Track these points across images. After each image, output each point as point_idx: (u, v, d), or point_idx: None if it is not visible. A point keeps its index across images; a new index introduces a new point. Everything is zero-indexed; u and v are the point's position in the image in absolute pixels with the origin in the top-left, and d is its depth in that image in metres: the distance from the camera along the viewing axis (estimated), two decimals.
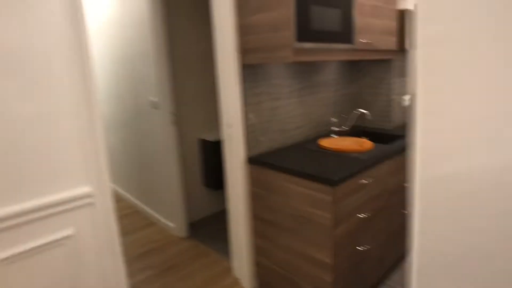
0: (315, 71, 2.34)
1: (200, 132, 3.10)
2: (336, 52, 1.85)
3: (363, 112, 2.28)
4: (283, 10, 1.54)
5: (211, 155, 3.00)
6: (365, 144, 2.05)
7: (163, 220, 3.05)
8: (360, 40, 1.96)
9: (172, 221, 2.92)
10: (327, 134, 2.46)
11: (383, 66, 2.49)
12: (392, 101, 2.50)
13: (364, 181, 1.79)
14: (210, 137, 2.98)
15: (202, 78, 3.04)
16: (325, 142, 2.13)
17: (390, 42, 2.23)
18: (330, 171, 1.66)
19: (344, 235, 1.73)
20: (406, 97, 2.70)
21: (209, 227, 3.02)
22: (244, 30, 1.79)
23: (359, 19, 1.93)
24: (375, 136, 2.50)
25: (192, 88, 2.98)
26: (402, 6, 2.44)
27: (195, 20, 2.90)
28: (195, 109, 3.03)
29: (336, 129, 2.35)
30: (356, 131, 2.60)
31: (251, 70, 1.93)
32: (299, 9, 1.54)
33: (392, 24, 2.22)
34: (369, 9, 2.00)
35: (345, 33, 1.83)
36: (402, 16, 2.27)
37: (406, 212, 2.27)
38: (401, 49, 2.34)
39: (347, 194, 1.69)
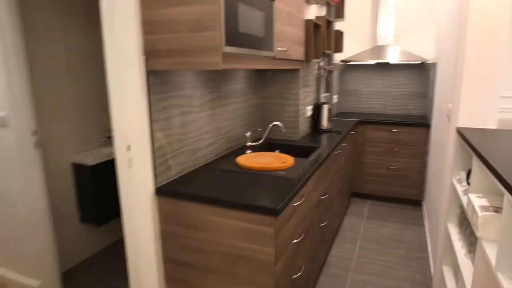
0: (223, 79, 2.07)
1: (74, 155, 2.44)
2: (259, 59, 1.63)
3: (277, 125, 2.13)
4: (209, 4, 1.23)
5: (90, 182, 2.39)
6: (287, 159, 1.89)
7: (19, 278, 2.26)
8: (278, 48, 1.80)
9: (36, 276, 2.18)
10: (240, 150, 2.22)
11: (290, 76, 2.40)
12: (299, 111, 2.44)
13: (296, 203, 1.62)
14: (88, 160, 2.37)
15: (78, 85, 2.39)
16: (243, 161, 1.88)
17: (299, 52, 2.14)
18: (266, 197, 1.42)
19: (284, 267, 1.51)
20: (309, 108, 2.70)
21: (91, 273, 2.39)
22: (151, 27, 1.39)
23: (278, 26, 1.76)
24: (287, 148, 2.39)
25: (63, 97, 2.31)
26: (307, 16, 2.41)
27: (71, 7, 2.25)
28: (67, 125, 2.36)
29: (250, 144, 2.14)
30: (268, 145, 2.45)
31: (157, 78, 1.53)
32: (227, 5, 1.26)
33: (302, 33, 2.14)
34: (286, 16, 1.85)
35: (267, 39, 1.63)
36: (308, 27, 2.22)
37: (323, 224, 2.22)
38: (307, 60, 2.29)
39: (285, 221, 1.48)
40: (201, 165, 1.91)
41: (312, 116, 2.81)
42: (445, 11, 2.50)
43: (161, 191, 1.58)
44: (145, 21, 1.38)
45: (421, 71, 3.60)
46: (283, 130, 2.10)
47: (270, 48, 1.67)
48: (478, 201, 1.34)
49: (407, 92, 3.68)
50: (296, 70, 2.38)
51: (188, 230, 1.55)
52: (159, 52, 1.40)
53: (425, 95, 3.61)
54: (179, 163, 1.73)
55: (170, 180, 1.67)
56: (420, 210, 3.30)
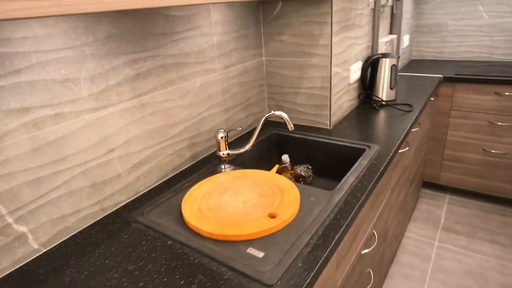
0: (166, 30, 1.03)
1: None
2: None
3: (280, 117, 1.07)
4: None
5: None
6: (285, 205, 0.89)
7: None
8: None
9: None
10: (207, 167, 1.25)
11: (315, 9, 1.25)
12: (332, 76, 1.33)
13: None
14: None
15: None
16: (190, 212, 0.93)
17: None
18: None
19: None
20: (355, 66, 1.54)
21: None
22: None
23: None
24: (306, 151, 1.36)
25: None
26: None
27: None
28: None
29: (226, 153, 1.14)
30: (274, 140, 1.43)
31: None
32: None
33: None
34: None
35: None
36: None
37: None
38: None
39: None
40: (121, 204, 0.99)
41: (362, 79, 1.66)
42: None
43: None
44: None
45: None
46: (291, 127, 1.07)
47: None
48: None
49: None
50: None
51: None
52: None
53: None
54: (53, 220, 0.83)
55: (31, 259, 0.80)
56: None
